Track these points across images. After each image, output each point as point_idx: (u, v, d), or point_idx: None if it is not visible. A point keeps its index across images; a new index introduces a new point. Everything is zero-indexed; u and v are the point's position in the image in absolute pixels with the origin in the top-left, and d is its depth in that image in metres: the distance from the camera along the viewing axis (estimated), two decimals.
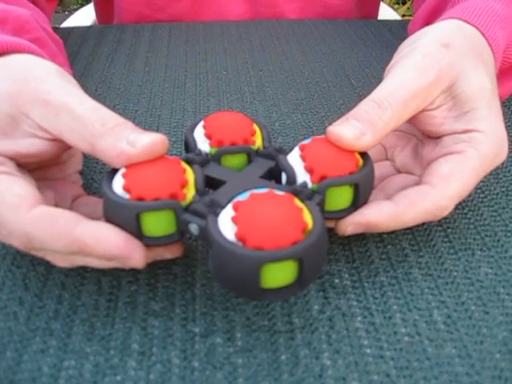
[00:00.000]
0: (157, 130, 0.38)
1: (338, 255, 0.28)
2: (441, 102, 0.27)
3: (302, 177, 0.25)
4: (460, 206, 0.31)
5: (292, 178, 0.25)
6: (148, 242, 0.23)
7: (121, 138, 0.23)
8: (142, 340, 0.24)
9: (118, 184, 0.23)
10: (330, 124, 0.38)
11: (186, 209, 0.23)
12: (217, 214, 0.22)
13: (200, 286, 0.26)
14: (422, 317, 0.25)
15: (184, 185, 0.23)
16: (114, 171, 0.24)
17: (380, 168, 0.30)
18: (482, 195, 0.32)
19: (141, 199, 0.22)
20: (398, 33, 0.55)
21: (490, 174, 0.34)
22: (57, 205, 0.27)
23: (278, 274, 0.21)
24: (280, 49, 0.51)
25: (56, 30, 0.55)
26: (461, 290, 0.26)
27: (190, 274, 0.27)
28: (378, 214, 0.25)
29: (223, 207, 0.23)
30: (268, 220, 0.21)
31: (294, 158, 0.26)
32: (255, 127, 0.28)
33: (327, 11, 0.62)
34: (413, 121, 0.28)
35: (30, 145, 0.25)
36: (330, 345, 0.23)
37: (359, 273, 0.27)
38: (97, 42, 0.52)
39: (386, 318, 0.25)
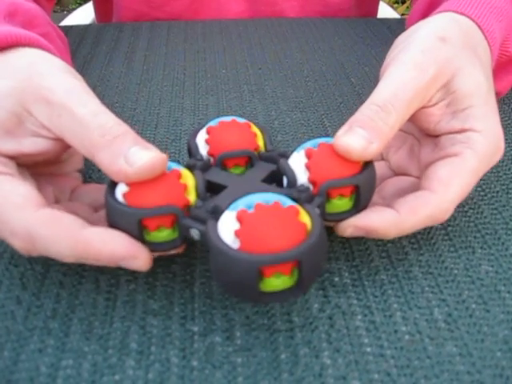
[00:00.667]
0: (155, 129, 0.38)
1: (338, 253, 0.28)
2: (438, 99, 0.27)
3: (302, 177, 0.25)
4: (460, 204, 0.31)
5: (293, 182, 0.25)
6: (151, 247, 0.23)
7: (119, 154, 0.22)
8: (140, 339, 0.23)
9: (120, 191, 0.23)
10: (329, 122, 0.39)
11: (188, 214, 0.23)
12: (217, 219, 0.22)
13: (199, 284, 0.26)
14: (422, 315, 0.25)
15: (184, 190, 0.23)
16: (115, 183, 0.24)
17: (375, 169, 0.30)
18: (482, 193, 0.32)
19: (142, 206, 0.22)
20: (398, 31, 0.54)
21: (490, 172, 0.34)
22: (57, 199, 0.27)
23: (277, 278, 0.21)
24: (279, 47, 0.51)
25: None
26: (461, 288, 0.26)
27: (188, 272, 0.27)
28: (379, 220, 0.25)
29: (223, 209, 0.23)
30: (269, 229, 0.21)
31: (297, 163, 0.25)
32: (257, 135, 0.28)
33: (327, 9, 0.62)
34: (411, 119, 0.28)
35: (33, 144, 0.25)
36: (330, 343, 0.23)
37: (359, 271, 0.27)
38: (95, 41, 0.52)
39: (387, 317, 0.24)
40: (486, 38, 0.30)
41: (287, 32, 0.54)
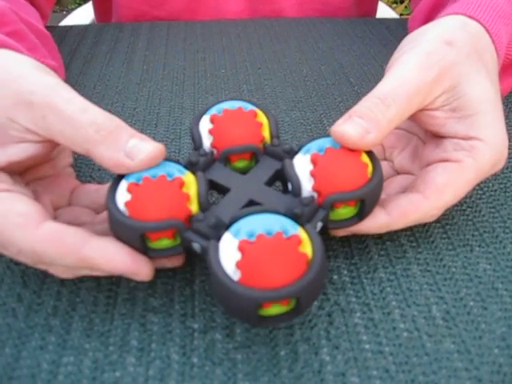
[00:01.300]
0: (155, 128, 0.38)
1: (337, 251, 0.28)
2: (443, 103, 0.27)
3: (307, 185, 0.25)
4: (458, 202, 0.31)
5: (297, 190, 0.25)
6: (153, 254, 0.23)
7: (118, 148, 0.23)
8: (141, 336, 0.24)
9: (122, 199, 0.23)
10: (328, 122, 0.39)
11: (190, 224, 0.23)
12: (219, 236, 0.22)
13: (199, 282, 0.26)
14: (420, 312, 0.25)
15: (187, 200, 0.23)
16: (117, 181, 0.24)
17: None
18: (480, 192, 0.32)
19: (144, 218, 0.22)
20: (396, 31, 0.55)
21: None
22: (56, 205, 0.27)
23: (276, 308, 0.21)
24: (278, 47, 0.51)
25: (54, 28, 0.55)
26: (459, 285, 0.26)
27: (189, 270, 0.27)
28: (371, 224, 0.26)
29: (224, 229, 0.22)
30: (270, 263, 0.21)
31: (302, 168, 0.25)
32: (263, 125, 0.28)
33: (326, 8, 0.62)
34: (416, 121, 0.28)
35: (21, 151, 0.24)
36: (329, 340, 0.23)
37: (358, 269, 0.27)
38: (95, 41, 0.52)
39: (385, 314, 0.25)
40: (493, 42, 0.30)
41: (286, 32, 0.54)
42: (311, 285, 0.21)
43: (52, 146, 0.26)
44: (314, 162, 0.25)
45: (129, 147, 0.23)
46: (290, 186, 0.25)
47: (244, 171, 0.27)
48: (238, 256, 0.21)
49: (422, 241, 0.29)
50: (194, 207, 0.24)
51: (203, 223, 0.23)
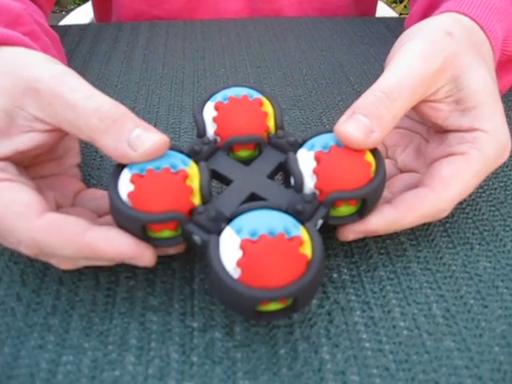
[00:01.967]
0: (154, 127, 0.38)
1: (337, 250, 0.28)
2: (446, 94, 0.27)
3: (309, 182, 0.25)
4: None
5: (300, 186, 0.25)
6: (154, 242, 0.23)
7: (121, 139, 0.23)
8: (140, 335, 0.23)
9: (124, 189, 0.23)
10: (327, 120, 0.39)
11: (191, 215, 0.23)
12: (219, 230, 0.22)
13: (198, 281, 0.26)
14: (420, 311, 0.25)
15: (190, 193, 0.23)
16: (119, 169, 0.24)
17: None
18: (480, 190, 0.32)
19: (147, 210, 0.22)
20: (396, 30, 0.55)
21: None
22: (59, 204, 0.26)
23: (273, 305, 0.22)
24: (278, 46, 0.51)
25: (53, 28, 0.55)
26: (459, 284, 0.26)
27: (188, 269, 0.27)
28: (378, 222, 0.25)
29: (226, 221, 0.22)
30: (271, 264, 0.21)
31: (306, 165, 0.25)
32: (268, 114, 0.28)
33: (325, 6, 0.62)
34: (420, 114, 0.28)
35: (28, 140, 0.24)
36: (329, 339, 0.23)
37: (358, 267, 0.27)
38: (94, 40, 0.52)
39: (385, 312, 0.25)
40: (488, 38, 0.30)
41: (286, 31, 0.54)
42: (309, 285, 0.21)
43: (59, 137, 0.26)
44: (317, 159, 0.25)
45: (132, 137, 0.23)
46: (292, 181, 0.25)
47: (247, 160, 0.27)
48: (239, 254, 0.21)
49: (421, 239, 0.29)
50: (196, 200, 0.24)
51: (204, 216, 0.23)
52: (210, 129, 0.27)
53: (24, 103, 0.24)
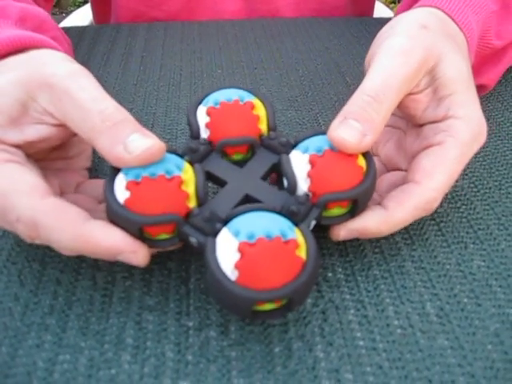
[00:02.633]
0: (151, 128, 0.38)
1: (332, 249, 0.28)
2: (425, 85, 0.28)
3: (303, 185, 0.25)
4: (453, 199, 0.31)
5: (293, 187, 0.25)
6: (150, 243, 0.24)
7: (118, 141, 0.23)
8: (136, 334, 0.24)
9: (121, 195, 0.23)
10: (324, 121, 0.39)
11: (188, 218, 0.23)
12: (216, 232, 0.23)
13: (194, 280, 0.26)
14: (414, 309, 0.25)
15: (186, 198, 0.24)
16: (114, 172, 0.24)
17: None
18: (474, 189, 0.32)
19: (143, 213, 0.23)
20: None
21: (483, 168, 0.34)
22: (62, 191, 0.27)
23: (269, 305, 0.22)
24: (275, 47, 0.51)
25: None
26: (453, 282, 0.26)
27: (184, 269, 0.27)
28: (370, 219, 0.26)
29: (221, 226, 0.23)
30: (268, 266, 0.21)
31: (300, 167, 0.25)
32: (260, 117, 0.28)
33: (322, 7, 0.62)
34: (400, 107, 0.29)
35: (36, 131, 0.25)
36: (323, 337, 0.24)
37: (352, 266, 0.27)
38: (92, 42, 0.52)
39: (379, 311, 0.25)
40: (461, 29, 0.31)
41: (283, 32, 0.54)
42: (304, 286, 0.21)
43: (65, 134, 0.26)
44: (312, 163, 0.25)
45: (128, 141, 0.23)
46: (285, 183, 0.25)
47: (241, 161, 0.27)
48: (236, 257, 0.21)
49: (416, 238, 0.29)
50: (192, 204, 0.24)
51: (199, 218, 0.23)
52: (204, 135, 0.28)
53: (37, 96, 0.25)
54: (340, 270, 0.27)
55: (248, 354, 0.23)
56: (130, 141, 0.23)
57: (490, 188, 0.32)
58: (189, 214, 0.24)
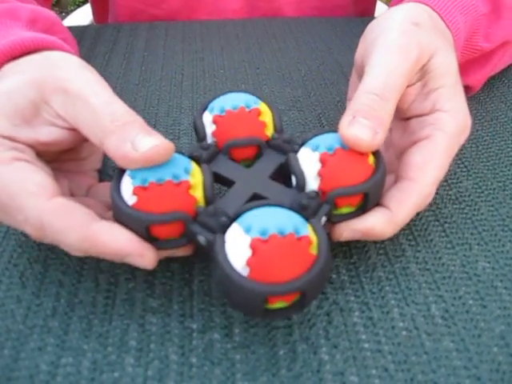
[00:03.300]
0: (154, 128, 0.38)
1: (336, 251, 0.28)
2: (416, 80, 0.28)
3: (312, 183, 0.25)
4: (457, 200, 0.31)
5: (302, 185, 0.25)
6: (157, 245, 0.23)
7: (126, 139, 0.23)
8: (139, 337, 0.23)
9: (127, 196, 0.23)
10: (326, 121, 0.39)
11: (195, 218, 0.23)
12: (224, 229, 0.22)
13: (197, 282, 0.26)
14: (419, 311, 0.25)
15: (194, 203, 0.23)
16: (122, 172, 0.24)
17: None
18: (479, 190, 0.32)
19: (151, 211, 0.22)
20: None
21: (487, 169, 0.34)
22: (72, 193, 0.27)
23: (281, 303, 0.22)
24: (277, 47, 0.51)
25: None
26: (458, 284, 0.26)
27: (187, 270, 0.27)
28: (374, 219, 0.25)
29: (231, 220, 0.23)
30: (281, 263, 0.21)
31: (310, 166, 0.25)
32: (267, 124, 0.28)
33: (324, 5, 0.62)
34: None
35: (49, 133, 0.25)
36: (328, 340, 0.23)
37: (357, 268, 0.27)
38: (93, 42, 0.52)
39: (384, 313, 0.25)
40: (448, 27, 0.32)
41: (285, 31, 0.54)
42: (316, 280, 0.21)
43: (76, 138, 0.26)
44: (322, 161, 0.25)
45: (136, 139, 0.23)
46: (294, 180, 0.25)
47: (248, 163, 0.27)
48: (248, 253, 0.21)
49: (420, 239, 0.29)
50: (199, 202, 0.24)
51: (207, 215, 0.23)
52: (210, 140, 0.28)
53: (51, 99, 0.25)
54: (344, 271, 0.27)
55: (252, 356, 0.23)
56: (138, 139, 0.23)
57: (495, 189, 0.32)
58: (197, 212, 0.23)
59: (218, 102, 0.28)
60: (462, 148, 0.34)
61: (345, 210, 0.25)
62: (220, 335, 0.24)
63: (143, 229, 0.23)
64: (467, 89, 0.40)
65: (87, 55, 0.49)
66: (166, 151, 0.23)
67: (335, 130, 0.26)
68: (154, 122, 0.39)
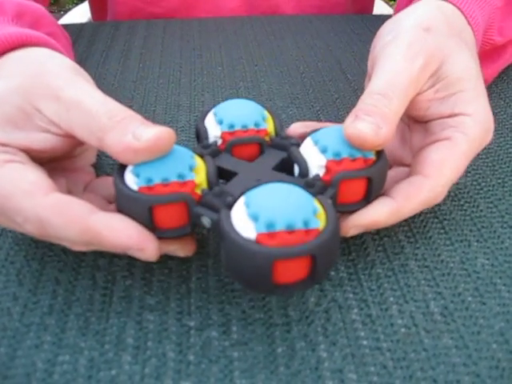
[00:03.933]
0: None
1: None
2: (428, 86, 0.28)
3: (315, 170, 0.25)
4: (456, 197, 0.31)
5: (305, 171, 0.25)
6: (160, 234, 0.23)
7: (127, 132, 0.22)
8: (136, 334, 0.23)
9: (130, 176, 0.23)
10: (325, 118, 0.39)
11: (199, 201, 0.23)
12: (229, 206, 0.22)
13: (195, 279, 0.26)
14: (418, 308, 0.25)
15: (196, 182, 0.23)
16: (123, 168, 0.24)
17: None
18: (478, 187, 0.32)
19: (153, 192, 0.22)
20: None
21: (486, 165, 0.34)
22: (69, 191, 0.27)
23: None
24: (275, 44, 0.51)
25: None
26: (457, 281, 0.26)
27: (185, 268, 0.27)
28: (379, 213, 0.25)
29: (235, 198, 0.22)
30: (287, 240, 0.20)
31: (309, 152, 0.25)
32: (266, 113, 0.28)
33: (323, 4, 0.62)
34: None
35: (43, 139, 0.25)
36: (327, 337, 0.23)
37: (355, 265, 0.27)
38: (91, 39, 0.52)
39: (383, 310, 0.25)
40: (469, 23, 0.31)
41: (283, 29, 0.54)
42: (326, 245, 0.21)
43: (71, 144, 0.26)
44: (328, 169, 0.25)
45: (137, 130, 0.23)
46: (296, 170, 0.25)
47: (250, 159, 0.27)
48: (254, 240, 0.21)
49: (419, 236, 0.28)
50: (203, 185, 0.24)
51: (211, 196, 0.23)
52: (214, 130, 0.28)
53: (42, 106, 0.24)
54: (343, 268, 0.27)
55: (250, 354, 0.23)
56: (139, 130, 0.23)
57: (494, 185, 0.32)
58: (201, 195, 0.23)
59: (226, 115, 0.28)
60: None
61: (349, 199, 0.25)
62: (218, 333, 0.23)
63: (146, 211, 0.22)
64: None
65: (85, 52, 0.49)
66: (170, 138, 0.23)
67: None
68: (151, 120, 0.38)
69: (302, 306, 0.25)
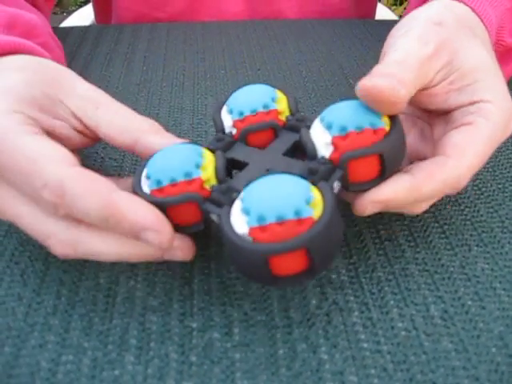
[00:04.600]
0: None
1: None
2: (440, 79, 0.27)
3: (323, 149, 0.24)
4: (456, 202, 0.31)
5: (312, 154, 0.24)
6: (175, 228, 0.23)
7: (169, 143, 0.25)
8: (139, 335, 0.24)
9: (144, 180, 0.24)
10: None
11: (208, 197, 0.24)
12: (232, 202, 0.23)
13: (198, 281, 0.26)
14: (418, 312, 0.25)
15: (207, 193, 0.24)
16: (141, 169, 0.25)
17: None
18: (478, 192, 0.32)
19: (164, 194, 0.23)
20: None
21: (487, 171, 0.34)
22: None
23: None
24: (278, 48, 0.51)
25: (54, 30, 0.55)
26: (457, 285, 0.26)
27: (187, 269, 0.27)
28: (397, 190, 0.24)
29: (239, 193, 0.23)
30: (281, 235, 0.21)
31: (317, 131, 0.25)
32: (277, 93, 0.28)
33: (325, 9, 0.62)
34: (418, 104, 0.28)
35: (63, 127, 0.26)
36: (328, 339, 0.24)
37: (356, 268, 0.27)
38: (95, 42, 0.52)
39: (383, 313, 0.25)
40: (482, 21, 0.30)
41: (286, 33, 0.54)
42: (320, 237, 0.20)
43: (81, 142, 0.27)
44: (335, 145, 0.24)
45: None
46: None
47: (264, 145, 0.27)
48: (248, 235, 0.21)
49: (420, 240, 0.29)
50: (212, 182, 0.24)
51: (218, 193, 0.23)
52: (227, 120, 0.28)
53: (67, 100, 0.26)
54: (344, 271, 0.27)
55: (252, 355, 0.23)
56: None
57: (494, 191, 0.32)
58: (210, 191, 0.24)
59: (236, 103, 0.28)
60: None
61: (362, 178, 0.24)
62: (220, 334, 0.24)
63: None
64: None
65: (89, 55, 0.49)
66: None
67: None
68: None
69: (304, 308, 0.25)
